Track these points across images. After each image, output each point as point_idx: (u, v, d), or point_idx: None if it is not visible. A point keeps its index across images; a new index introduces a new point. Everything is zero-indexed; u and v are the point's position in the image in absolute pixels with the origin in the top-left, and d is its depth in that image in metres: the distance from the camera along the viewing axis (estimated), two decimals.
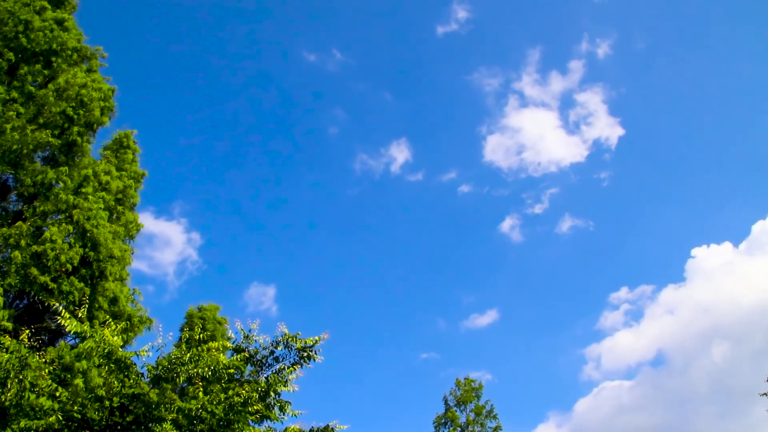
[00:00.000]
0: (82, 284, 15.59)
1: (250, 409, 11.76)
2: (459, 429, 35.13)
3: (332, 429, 12.63)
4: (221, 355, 12.46)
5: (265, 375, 12.68)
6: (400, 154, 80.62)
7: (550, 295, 76.56)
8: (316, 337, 12.56)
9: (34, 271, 14.73)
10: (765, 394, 20.99)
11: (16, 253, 14.79)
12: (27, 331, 11.11)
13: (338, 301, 76.94)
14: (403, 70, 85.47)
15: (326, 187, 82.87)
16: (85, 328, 10.70)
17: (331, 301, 76.62)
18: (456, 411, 35.93)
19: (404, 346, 70.92)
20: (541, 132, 76.86)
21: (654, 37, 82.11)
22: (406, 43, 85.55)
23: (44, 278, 14.81)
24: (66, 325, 10.49)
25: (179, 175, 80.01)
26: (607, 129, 76.72)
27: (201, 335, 13.32)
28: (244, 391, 11.80)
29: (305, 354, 12.56)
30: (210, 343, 13.02)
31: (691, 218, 76.89)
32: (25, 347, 9.89)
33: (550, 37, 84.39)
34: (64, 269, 15.29)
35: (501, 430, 35.07)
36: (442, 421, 35.81)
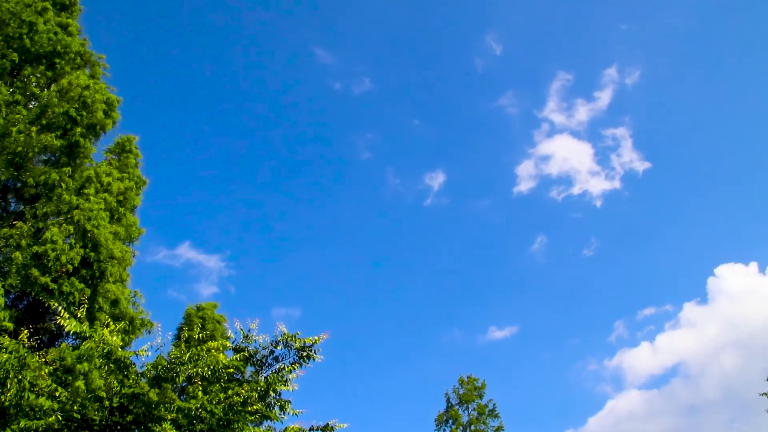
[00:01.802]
0: (83, 285, 15.65)
1: (249, 408, 11.80)
2: (461, 428, 35.03)
3: (332, 428, 12.64)
4: (221, 354, 12.52)
5: (264, 375, 12.73)
6: (430, 179, 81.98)
7: (573, 311, 77.13)
8: (316, 337, 12.57)
9: (35, 271, 14.81)
10: (765, 393, 20.94)
11: (17, 253, 14.86)
12: (26, 331, 11.18)
13: (362, 312, 77.29)
14: (432, 96, 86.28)
15: (355, 211, 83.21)
16: (84, 328, 10.77)
17: (355, 313, 76.99)
18: (458, 410, 35.79)
19: (420, 356, 71.26)
20: (570, 159, 77.39)
21: (679, 63, 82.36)
22: (436, 70, 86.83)
23: (45, 279, 14.88)
24: (65, 325, 10.57)
25: (209, 203, 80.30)
26: (634, 155, 77.39)
27: (201, 335, 13.37)
28: (243, 391, 11.84)
29: (305, 354, 12.61)
30: (209, 343, 13.07)
31: (713, 239, 77.12)
32: (24, 347, 9.97)
33: (577, 65, 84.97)
34: (64, 270, 15.36)
35: (503, 430, 35.01)
36: (444, 419, 35.70)
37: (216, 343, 13.08)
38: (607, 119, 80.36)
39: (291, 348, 12.71)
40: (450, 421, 35.44)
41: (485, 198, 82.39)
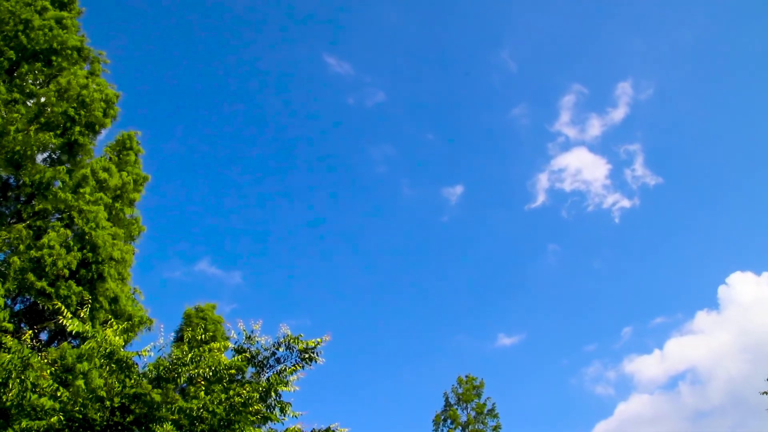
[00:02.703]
0: (80, 288, 15.56)
1: (251, 409, 11.76)
2: (459, 428, 35.01)
3: (333, 431, 12.61)
4: (222, 355, 12.46)
5: (266, 376, 12.68)
6: (445, 192, 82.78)
7: (583, 318, 77.73)
8: (318, 339, 12.55)
9: (31, 276, 14.72)
10: (765, 393, 21.02)
11: (15, 258, 14.79)
12: (30, 332, 11.13)
13: (374, 319, 77.50)
14: (447, 109, 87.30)
15: (370, 220, 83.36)
16: (87, 327, 10.72)
17: (366, 320, 77.19)
18: (457, 409, 35.76)
19: (426, 360, 71.53)
20: (583, 173, 78.24)
21: (691, 77, 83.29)
22: (450, 83, 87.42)
23: (41, 283, 14.80)
24: (68, 325, 10.51)
25: (221, 211, 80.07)
26: (647, 170, 79.17)
27: (203, 336, 13.33)
28: (245, 392, 11.80)
29: (307, 356, 12.57)
30: (212, 344, 13.01)
31: (724, 249, 77.92)
32: (27, 347, 9.91)
33: (591, 79, 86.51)
34: (62, 273, 15.28)
35: (501, 429, 35.03)
36: (442, 418, 35.66)
37: (218, 344, 13.02)
38: (621, 134, 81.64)
39: (293, 350, 12.68)
40: (448, 421, 35.39)
41: (499, 210, 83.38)
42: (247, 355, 12.66)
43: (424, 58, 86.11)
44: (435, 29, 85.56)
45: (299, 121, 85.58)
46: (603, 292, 79.00)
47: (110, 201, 17.94)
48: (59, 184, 16.88)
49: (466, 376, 36.98)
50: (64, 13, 19.36)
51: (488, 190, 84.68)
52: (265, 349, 12.64)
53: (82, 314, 11.16)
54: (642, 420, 61.72)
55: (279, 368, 12.63)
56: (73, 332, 10.78)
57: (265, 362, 12.76)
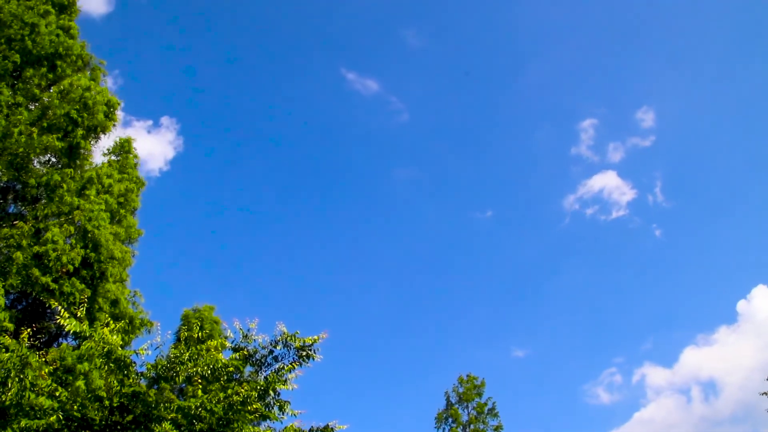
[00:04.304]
0: (83, 285, 15.76)
1: (249, 408, 11.84)
2: (461, 427, 35.07)
3: (332, 429, 12.68)
4: (219, 354, 12.56)
5: (264, 374, 12.77)
6: (474, 212, 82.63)
7: (605, 331, 77.87)
8: (315, 336, 12.54)
9: (36, 271, 14.91)
10: (765, 393, 20.99)
11: (18, 253, 14.95)
12: (27, 331, 11.27)
13: (389, 324, 77.94)
14: (471, 132, 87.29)
15: (393, 240, 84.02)
16: (84, 327, 10.84)
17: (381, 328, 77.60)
18: (458, 408, 35.78)
19: (432, 365, 71.80)
20: (607, 194, 78.81)
21: (710, 104, 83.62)
22: (473, 106, 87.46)
23: (45, 279, 14.98)
24: (66, 324, 10.64)
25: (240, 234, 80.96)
26: (669, 189, 79.41)
27: (200, 334, 13.41)
28: (243, 390, 11.88)
29: (304, 353, 12.64)
30: (208, 342, 13.10)
31: (745, 264, 78.16)
32: (25, 347, 10.06)
33: (613, 104, 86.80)
34: (65, 270, 15.47)
35: (502, 429, 35.09)
36: (444, 417, 35.72)
37: (215, 342, 13.10)
38: (644, 156, 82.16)
39: (290, 348, 12.72)
40: (450, 420, 35.47)
41: (524, 232, 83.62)
42: (245, 353, 12.71)
43: (448, 82, 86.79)
44: (458, 53, 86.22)
45: (319, 139, 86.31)
46: (623, 305, 79.44)
47: (116, 206, 18.17)
48: (64, 187, 17.07)
49: (467, 376, 36.98)
50: (71, 24, 19.63)
51: (513, 212, 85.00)
52: (263, 348, 12.68)
53: (79, 314, 11.30)
54: (655, 428, 61.93)
55: (277, 366, 12.69)
56: (71, 332, 10.92)
57: (262, 361, 12.81)
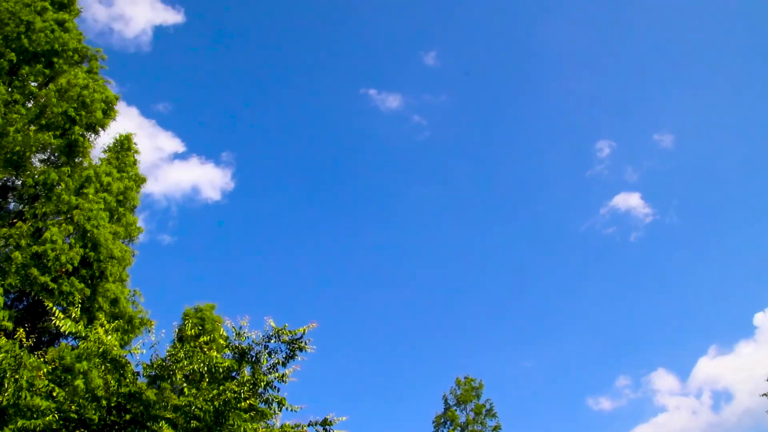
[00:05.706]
0: (83, 285, 15.67)
1: (243, 405, 11.78)
2: (459, 429, 35.00)
3: (331, 422, 12.61)
4: (213, 351, 12.50)
5: (261, 370, 12.70)
6: (485, 232, 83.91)
7: (620, 343, 78.46)
8: (303, 327, 12.51)
9: (35, 271, 14.83)
10: (765, 394, 20.98)
11: (17, 253, 14.88)
12: (21, 330, 11.15)
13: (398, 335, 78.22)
14: (489, 150, 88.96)
15: (408, 259, 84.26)
16: (80, 327, 10.77)
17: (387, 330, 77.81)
18: (456, 410, 35.63)
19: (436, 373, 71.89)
20: (621, 215, 79.63)
21: (725, 128, 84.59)
22: (492, 125, 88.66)
23: (44, 278, 14.90)
24: (61, 325, 10.56)
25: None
26: (685, 205, 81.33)
27: (193, 330, 13.32)
28: (236, 387, 11.82)
29: (296, 346, 12.58)
30: (202, 338, 13.04)
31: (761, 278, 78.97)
32: (19, 347, 9.96)
33: (628, 128, 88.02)
34: (64, 269, 15.38)
35: (501, 429, 35.00)
36: (442, 420, 35.59)
37: (207, 337, 13.05)
38: (660, 175, 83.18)
39: (283, 340, 12.69)
40: (448, 422, 35.36)
41: (538, 249, 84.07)
42: (240, 349, 12.64)
43: (468, 99, 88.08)
44: (478, 73, 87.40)
45: (339, 153, 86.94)
46: (637, 318, 79.95)
47: (114, 204, 18.05)
48: (62, 185, 16.95)
49: (465, 378, 36.84)
50: (66, 15, 19.45)
51: (528, 229, 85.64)
52: (257, 344, 12.63)
53: (73, 314, 11.19)
54: None
55: (272, 362, 12.63)
56: (67, 332, 10.83)
57: (258, 357, 12.74)
